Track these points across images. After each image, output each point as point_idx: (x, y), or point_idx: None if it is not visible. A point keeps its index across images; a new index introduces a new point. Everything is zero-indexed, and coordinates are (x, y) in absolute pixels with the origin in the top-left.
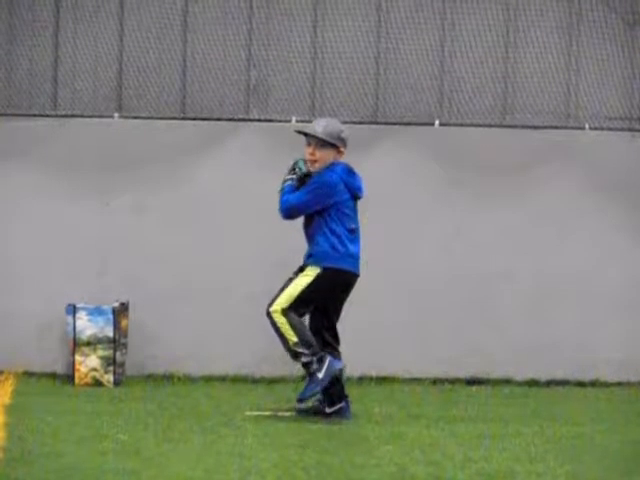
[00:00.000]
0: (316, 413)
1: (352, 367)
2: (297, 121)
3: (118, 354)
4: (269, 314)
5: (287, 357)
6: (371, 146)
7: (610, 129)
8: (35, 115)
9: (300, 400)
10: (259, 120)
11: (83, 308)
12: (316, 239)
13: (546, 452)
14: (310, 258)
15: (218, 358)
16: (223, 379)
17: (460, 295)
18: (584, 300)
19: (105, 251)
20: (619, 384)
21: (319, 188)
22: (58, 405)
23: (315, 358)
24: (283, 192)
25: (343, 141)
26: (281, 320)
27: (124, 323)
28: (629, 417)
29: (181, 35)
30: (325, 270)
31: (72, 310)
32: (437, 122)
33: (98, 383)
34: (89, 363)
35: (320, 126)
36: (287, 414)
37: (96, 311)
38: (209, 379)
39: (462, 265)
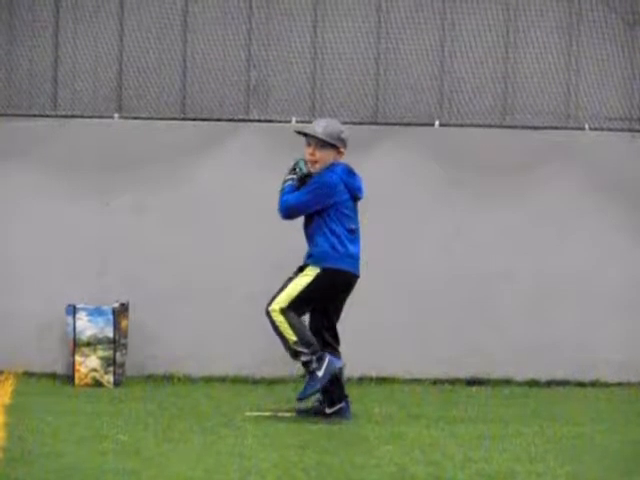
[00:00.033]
0: (316, 413)
1: (352, 367)
2: (297, 121)
3: (118, 354)
4: (268, 313)
5: (287, 358)
6: (371, 146)
7: (610, 129)
8: (35, 115)
9: (300, 399)
10: (259, 120)
11: (83, 308)
12: (316, 239)
13: (546, 452)
14: (310, 258)
15: (218, 358)
16: (223, 379)
17: (460, 295)
18: (584, 300)
19: (105, 251)
20: (619, 384)
21: (319, 188)
22: (58, 405)
23: (314, 357)
24: (283, 192)
25: (343, 142)
26: (280, 319)
27: (124, 323)
28: (629, 417)
29: (181, 35)
30: (325, 270)
31: (72, 310)
32: (437, 122)
33: (98, 383)
34: (89, 363)
35: (320, 126)
36: (287, 414)
37: (96, 312)
38: (209, 379)
39: (462, 265)
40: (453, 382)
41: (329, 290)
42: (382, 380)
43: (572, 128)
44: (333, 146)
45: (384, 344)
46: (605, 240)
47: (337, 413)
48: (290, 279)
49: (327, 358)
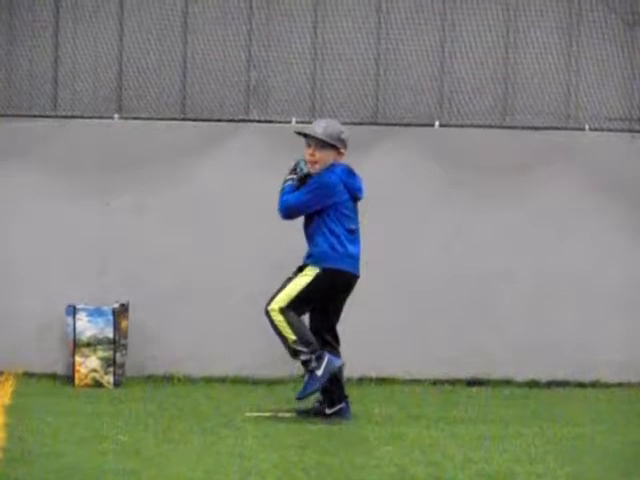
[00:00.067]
0: (316, 414)
1: (352, 368)
2: (297, 122)
3: (118, 355)
4: (267, 313)
5: (287, 358)
6: (371, 147)
7: (610, 130)
8: (35, 116)
9: (299, 398)
10: (259, 121)
11: (83, 309)
12: (315, 239)
13: (546, 453)
14: (310, 258)
15: (218, 359)
16: (223, 380)
17: (460, 295)
18: (584, 300)
19: (105, 251)
20: (619, 385)
21: (318, 189)
22: (58, 406)
23: (314, 356)
24: (283, 192)
25: (343, 142)
26: (278, 318)
27: (124, 324)
28: (629, 418)
29: (181, 36)
30: (324, 271)
31: (72, 311)
32: (437, 123)
33: (98, 384)
34: (89, 364)
35: (320, 127)
36: (287, 415)
37: (96, 312)
38: (209, 380)
39: (462, 265)
40: (453, 383)
41: (329, 290)
42: (382, 381)
43: (572, 128)
44: (333, 147)
45: (384, 344)
46: (605, 240)
47: (337, 414)
48: (290, 279)
49: (326, 357)
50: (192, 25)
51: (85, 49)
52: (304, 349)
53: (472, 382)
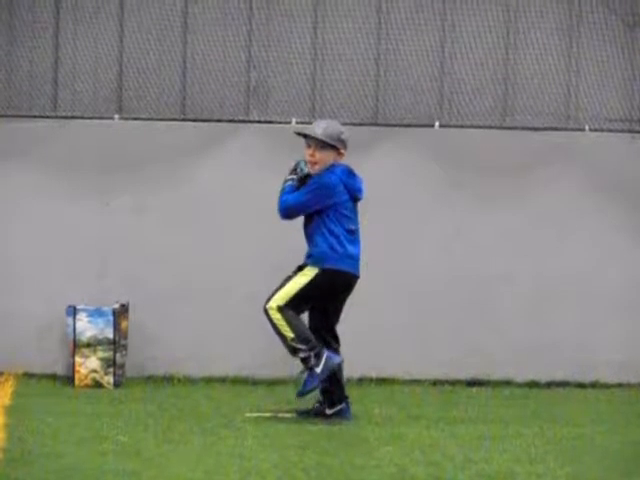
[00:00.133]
0: (316, 414)
1: (352, 368)
2: (297, 122)
3: (118, 355)
4: (266, 310)
5: (287, 358)
6: (371, 147)
7: (610, 130)
8: (35, 116)
9: (299, 395)
10: (259, 121)
11: (83, 309)
12: (315, 239)
13: (546, 453)
14: (309, 258)
15: (218, 359)
16: (223, 380)
17: (460, 296)
18: (584, 301)
19: (105, 251)
20: (619, 385)
21: (318, 189)
22: (58, 406)
23: (312, 353)
24: (283, 192)
25: (343, 143)
26: (277, 316)
27: (124, 325)
28: (629, 418)
29: (181, 36)
30: (324, 271)
31: (72, 312)
32: (437, 124)
33: (98, 384)
34: (89, 364)
35: (320, 128)
36: (287, 415)
37: (96, 312)
38: (209, 380)
39: (462, 266)
40: (453, 383)
41: (328, 290)
42: (382, 381)
43: (572, 129)
44: (333, 147)
45: (384, 345)
46: (605, 241)
47: (337, 414)
48: (289, 277)
49: (325, 354)
50: (192, 25)
51: (85, 50)
52: (303, 347)
53: (472, 382)
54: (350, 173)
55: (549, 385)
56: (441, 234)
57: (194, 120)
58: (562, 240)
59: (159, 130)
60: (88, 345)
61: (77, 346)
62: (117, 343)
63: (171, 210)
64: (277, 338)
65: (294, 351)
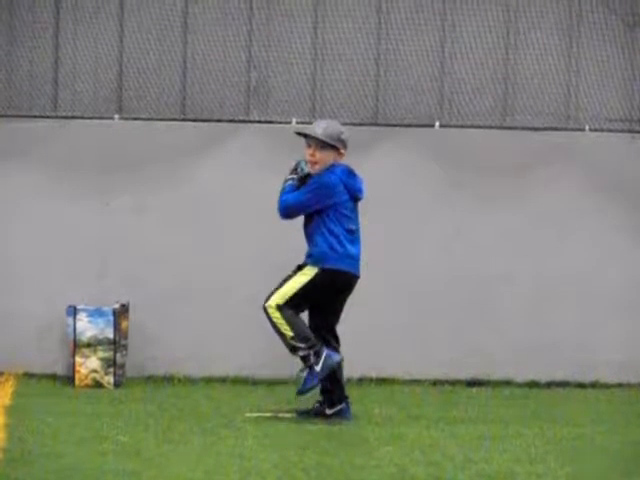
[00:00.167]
0: (316, 414)
1: (352, 368)
2: (297, 122)
3: (118, 355)
4: (265, 309)
5: (287, 358)
6: (371, 148)
7: (610, 130)
8: (35, 116)
9: (299, 393)
10: (259, 121)
11: (83, 309)
12: (315, 239)
13: (546, 453)
14: (309, 258)
15: (218, 359)
16: (223, 380)
17: (460, 296)
18: (584, 301)
19: (105, 251)
20: (619, 385)
21: (318, 189)
22: (58, 406)
23: (312, 351)
24: (283, 191)
25: (343, 142)
26: (275, 315)
27: (124, 325)
28: (629, 418)
29: (181, 36)
30: (323, 271)
31: (72, 312)
32: (437, 124)
33: (98, 384)
34: (89, 364)
35: (320, 128)
36: (287, 415)
37: (96, 312)
38: (209, 380)
39: (462, 266)
40: (453, 383)
41: (328, 290)
42: (382, 381)
43: (572, 129)
44: (333, 147)
45: (384, 345)
46: (605, 241)
47: (337, 414)
48: (289, 276)
49: (325, 352)
50: (192, 25)
51: (85, 50)
52: (302, 345)
53: (472, 382)
54: (350, 173)
55: (549, 385)
56: (441, 234)
57: (194, 120)
58: (562, 240)
59: (159, 130)
60: (88, 345)
61: (77, 346)
62: (117, 343)
63: (171, 210)
64: (277, 338)
65: (293, 349)
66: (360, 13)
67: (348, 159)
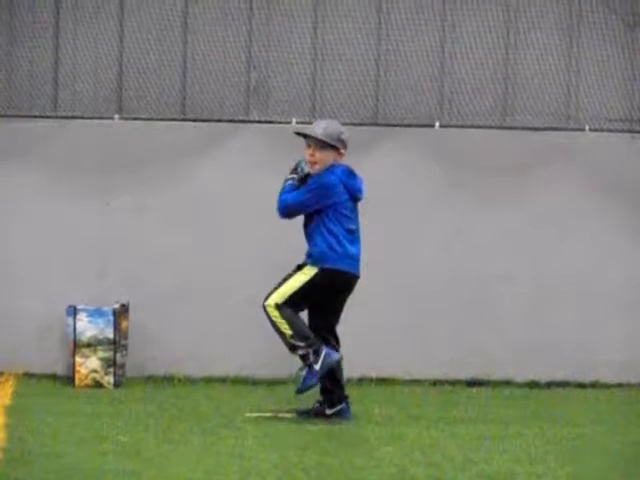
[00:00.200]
0: (316, 414)
1: (352, 368)
2: (297, 122)
3: (118, 355)
4: (264, 308)
5: (287, 358)
6: (371, 148)
7: (610, 130)
8: (35, 116)
9: (298, 392)
10: (259, 121)
11: (83, 310)
12: (314, 239)
13: (547, 453)
14: (309, 258)
15: (218, 359)
16: (223, 380)
17: (460, 296)
18: (584, 301)
19: (105, 251)
20: (619, 385)
21: (317, 189)
22: (58, 406)
23: (311, 350)
24: (283, 191)
25: (343, 143)
26: (274, 314)
27: (124, 325)
28: (629, 418)
29: (181, 36)
30: (323, 271)
31: (72, 312)
32: (437, 124)
33: (98, 384)
34: (89, 364)
35: (320, 128)
36: (287, 415)
37: (96, 312)
38: (209, 380)
39: (462, 266)
40: (453, 383)
41: (327, 290)
42: (382, 381)
43: (572, 129)
44: (333, 147)
45: (384, 345)
46: (605, 241)
47: (337, 414)
48: (289, 276)
49: (324, 351)
50: (192, 25)
51: (85, 50)
52: (301, 344)
53: (472, 383)
54: (350, 173)
55: (549, 385)
56: (441, 234)
57: (194, 120)
58: (562, 240)
59: (159, 130)
60: (88, 345)
61: (77, 346)
62: (117, 343)
63: (171, 210)
64: (277, 338)
65: (293, 348)
66: (360, 13)
67: (348, 159)
